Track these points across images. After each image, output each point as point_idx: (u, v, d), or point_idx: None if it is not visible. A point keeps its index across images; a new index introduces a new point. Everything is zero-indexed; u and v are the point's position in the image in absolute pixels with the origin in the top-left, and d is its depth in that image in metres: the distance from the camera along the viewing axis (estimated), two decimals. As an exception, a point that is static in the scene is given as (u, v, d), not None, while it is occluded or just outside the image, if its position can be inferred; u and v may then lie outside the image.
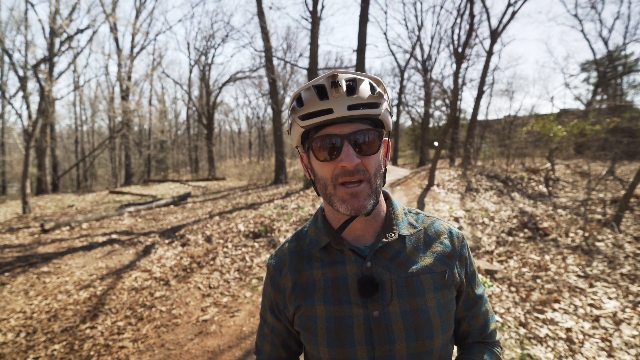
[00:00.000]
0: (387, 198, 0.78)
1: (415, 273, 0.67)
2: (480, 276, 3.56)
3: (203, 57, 20.39)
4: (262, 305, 0.81)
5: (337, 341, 0.66)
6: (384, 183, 0.70)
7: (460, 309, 0.74)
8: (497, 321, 2.75)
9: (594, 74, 18.35)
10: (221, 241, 5.12)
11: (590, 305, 3.03)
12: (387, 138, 0.72)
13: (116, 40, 17.91)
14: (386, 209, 0.75)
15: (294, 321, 0.73)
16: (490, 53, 12.74)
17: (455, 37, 16.62)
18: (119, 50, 17.93)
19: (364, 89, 0.63)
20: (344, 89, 0.62)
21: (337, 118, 0.62)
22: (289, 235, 4.42)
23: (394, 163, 21.84)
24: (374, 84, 0.66)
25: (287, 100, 15.40)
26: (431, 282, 0.67)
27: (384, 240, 0.69)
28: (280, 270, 0.75)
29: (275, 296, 0.76)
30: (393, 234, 0.70)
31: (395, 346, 0.64)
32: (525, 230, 5.51)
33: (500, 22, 12.10)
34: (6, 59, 16.23)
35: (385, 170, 0.71)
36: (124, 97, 17.74)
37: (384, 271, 0.67)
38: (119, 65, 17.56)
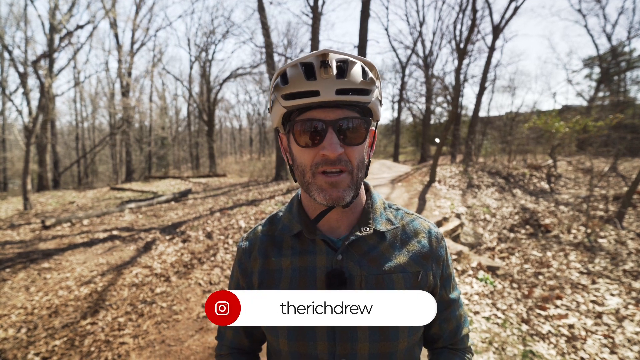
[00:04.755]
0: (368, 190, 0.74)
1: (388, 271, 0.65)
2: (482, 273, 3.55)
3: (203, 54, 20.32)
4: (229, 288, 0.78)
5: (298, 334, 0.63)
6: (366, 175, 0.67)
7: None
8: (499, 318, 2.74)
9: (597, 69, 18.24)
10: (222, 237, 5.12)
11: (593, 302, 3.02)
12: (374, 128, 0.68)
13: (116, 36, 17.85)
14: (365, 202, 0.72)
15: None
16: (492, 49, 12.66)
17: (457, 32, 16.57)
18: (119, 46, 17.85)
19: (356, 73, 0.58)
20: (334, 70, 0.57)
21: (324, 102, 0.57)
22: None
23: (395, 159, 21.79)
24: (367, 69, 0.61)
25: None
26: (403, 282, 0.65)
27: (358, 234, 0.66)
28: (250, 253, 0.72)
29: (242, 279, 0.73)
30: (368, 229, 0.67)
31: (358, 345, 0.61)
32: (527, 226, 5.49)
33: (502, 17, 12.02)
34: (6, 55, 16.17)
35: (369, 162, 0.67)
36: (125, 93, 17.69)
37: (354, 266, 0.64)
38: (119, 61, 17.50)
